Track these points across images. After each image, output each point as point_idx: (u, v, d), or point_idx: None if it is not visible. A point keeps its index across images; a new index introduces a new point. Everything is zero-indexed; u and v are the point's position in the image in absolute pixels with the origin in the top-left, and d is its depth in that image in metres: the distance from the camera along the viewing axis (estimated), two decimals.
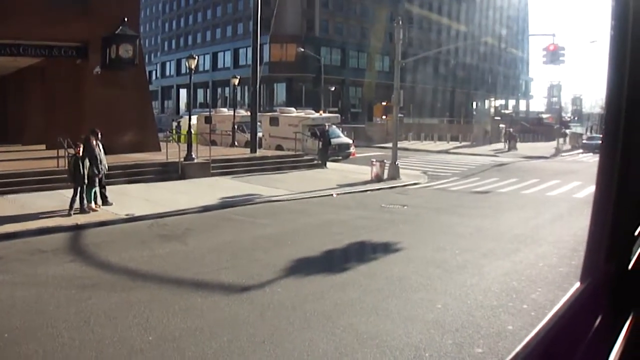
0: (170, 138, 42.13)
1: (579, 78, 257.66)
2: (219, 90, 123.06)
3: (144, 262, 15.39)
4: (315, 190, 28.76)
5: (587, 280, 2.41)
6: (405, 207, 24.85)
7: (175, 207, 23.19)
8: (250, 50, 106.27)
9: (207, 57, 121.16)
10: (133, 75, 36.16)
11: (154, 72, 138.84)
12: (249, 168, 34.74)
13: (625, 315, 2.46)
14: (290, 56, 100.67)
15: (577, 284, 2.35)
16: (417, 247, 17.16)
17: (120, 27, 35.05)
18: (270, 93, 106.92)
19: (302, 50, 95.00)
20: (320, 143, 40.87)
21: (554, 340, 1.95)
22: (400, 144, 63.81)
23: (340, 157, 45.04)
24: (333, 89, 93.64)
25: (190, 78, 34.98)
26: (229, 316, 11.01)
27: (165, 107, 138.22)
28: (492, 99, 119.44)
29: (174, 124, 63.28)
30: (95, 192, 22.27)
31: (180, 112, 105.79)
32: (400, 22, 36.56)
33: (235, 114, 50.95)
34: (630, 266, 2.64)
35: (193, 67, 34.58)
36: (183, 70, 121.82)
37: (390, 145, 62.30)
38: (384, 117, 43.13)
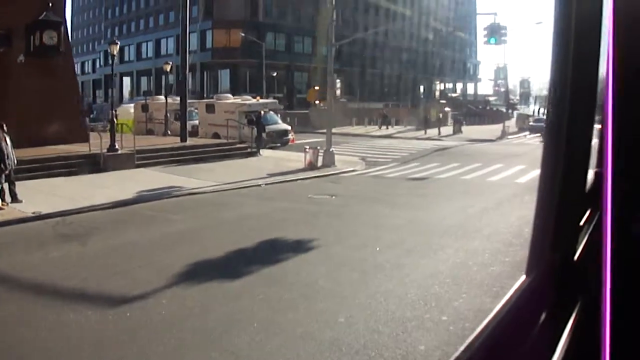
0: (108, 128, 40.14)
1: (527, 60, 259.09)
2: (163, 77, 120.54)
3: (32, 267, 13.67)
4: (243, 181, 27.09)
5: (532, 273, 2.38)
6: (334, 197, 23.32)
7: (88, 203, 21.42)
8: (193, 36, 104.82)
9: (150, 44, 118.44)
10: (58, 63, 33.98)
11: (97, 60, 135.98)
12: (177, 158, 32.85)
13: (572, 306, 2.52)
14: (234, 42, 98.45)
15: (523, 277, 2.30)
16: (336, 243, 15.46)
17: (45, 13, 32.80)
18: (215, 79, 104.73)
19: (244, 35, 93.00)
20: (256, 130, 39.01)
21: (500, 336, 1.88)
22: (343, 130, 63.14)
23: (278, 145, 43.71)
24: (275, 74, 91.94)
25: (112, 65, 33.26)
26: (96, 336, 9.45)
27: (109, 96, 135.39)
28: (438, 82, 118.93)
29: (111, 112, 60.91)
30: (2, 189, 20.44)
31: (124, 101, 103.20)
32: (334, 3, 34.77)
33: (171, 102, 48.85)
34: (576, 257, 2.66)
35: (115, 53, 32.72)
36: (126, 58, 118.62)
37: (334, 130, 61.63)
38: (317, 102, 41.67)
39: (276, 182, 27.60)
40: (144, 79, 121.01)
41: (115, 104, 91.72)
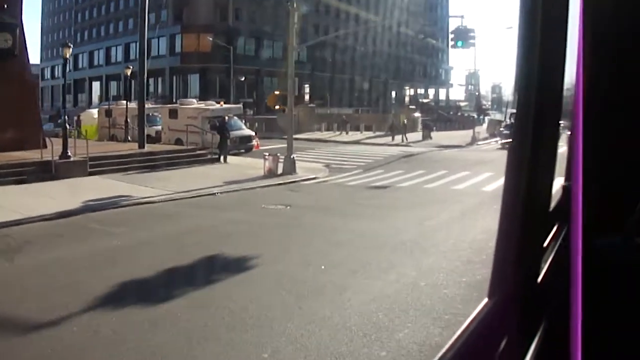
0: (70, 133, 38.92)
1: (499, 66, 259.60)
2: (133, 82, 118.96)
3: None
4: (198, 189, 25.94)
5: (495, 295, 2.29)
6: (289, 207, 22.19)
7: (29, 214, 20.14)
8: (162, 40, 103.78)
9: (120, 49, 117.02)
10: (13, 67, 32.63)
11: (67, 65, 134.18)
12: (133, 165, 31.55)
13: (535, 329, 2.47)
14: (204, 46, 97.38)
15: (486, 300, 2.21)
16: (278, 261, 14.27)
17: None
18: (185, 84, 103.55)
19: (211, 39, 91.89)
20: (219, 136, 37.95)
21: None
22: (311, 135, 62.38)
23: (242, 151, 42.71)
24: (243, 79, 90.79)
25: (64, 69, 32.12)
26: None
27: (79, 101, 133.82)
28: (407, 87, 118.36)
29: (75, 118, 59.51)
30: None
31: (93, 105, 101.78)
32: (295, 5, 33.72)
33: (134, 107, 47.73)
34: (540, 277, 2.60)
35: (67, 56, 31.49)
36: (96, 62, 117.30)
37: (302, 136, 60.78)
38: (276, 107, 40.80)
39: (232, 191, 26.48)
40: (113, 84, 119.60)
41: (84, 108, 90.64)
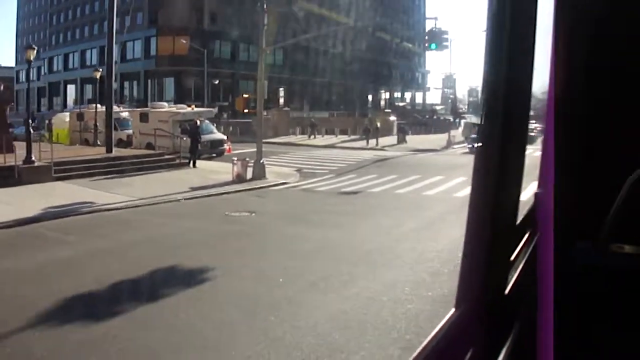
0: (42, 137, 38.23)
1: (475, 69, 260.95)
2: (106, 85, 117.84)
3: None
4: (162, 195, 25.30)
5: (461, 306, 2.20)
6: (253, 214, 21.48)
7: None
8: (137, 43, 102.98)
9: (95, 51, 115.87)
10: None
11: (42, 68, 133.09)
12: (100, 170, 30.83)
13: (503, 341, 2.43)
14: (181, 49, 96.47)
15: (452, 310, 2.14)
16: (235, 274, 13.54)
17: None
18: (160, 88, 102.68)
19: (186, 42, 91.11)
20: (189, 140, 37.27)
21: None
22: (286, 139, 61.81)
23: (214, 155, 42.14)
24: (217, 82, 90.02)
25: (28, 72, 31.20)
26: None
27: (54, 104, 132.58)
28: (383, 91, 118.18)
29: (46, 122, 58.58)
30: None
31: (68, 108, 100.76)
32: (265, 7, 33.06)
33: (102, 111, 47.01)
34: (508, 289, 2.54)
35: (32, 58, 30.61)
36: (71, 65, 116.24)
37: (277, 140, 60.29)
38: (245, 110, 40.36)
39: (198, 197, 25.82)
40: (88, 87, 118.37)
41: (59, 112, 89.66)
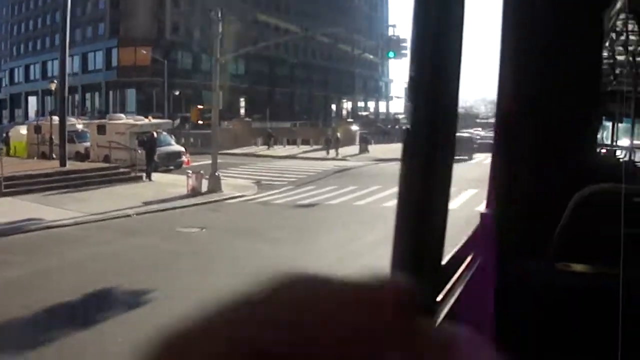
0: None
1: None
2: (70, 97, 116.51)
3: None
4: (114, 211, 24.55)
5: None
6: (204, 229, 20.87)
7: None
8: (98, 54, 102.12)
9: (56, 63, 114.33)
10: None
11: (3, 80, 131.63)
12: (53, 185, 30.03)
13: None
14: (143, 60, 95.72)
15: None
16: (173, 297, 12.74)
17: None
18: (122, 99, 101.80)
19: (145, 52, 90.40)
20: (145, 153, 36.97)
21: None
22: (247, 150, 61.19)
23: (171, 167, 41.48)
24: (178, 92, 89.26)
25: None
26: None
27: (15, 116, 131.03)
28: (345, 100, 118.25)
29: (3, 135, 57.53)
30: None
31: (29, 120, 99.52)
32: (219, 16, 32.60)
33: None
34: (439, 298, 2.38)
35: None
36: (32, 77, 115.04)
37: (237, 151, 59.71)
38: (200, 122, 39.98)
39: (150, 212, 25.11)
40: (50, 99, 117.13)
41: (20, 124, 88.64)
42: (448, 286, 2.66)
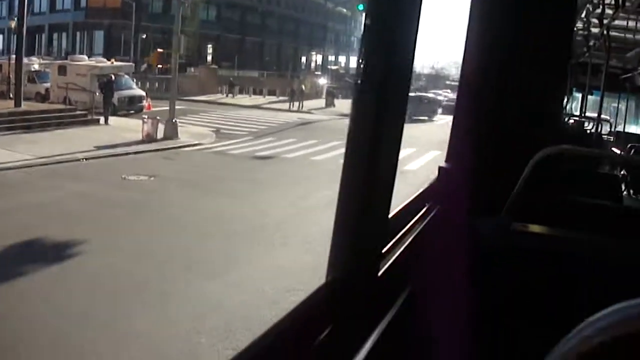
0: None
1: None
2: (37, 37, 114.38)
3: None
4: (63, 154, 23.75)
5: (327, 283, 2.09)
6: (152, 178, 20.13)
7: None
8: None
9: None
10: None
11: None
12: (5, 126, 28.98)
13: (373, 323, 2.33)
14: (113, 2, 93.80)
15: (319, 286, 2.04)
16: (107, 250, 12.16)
17: None
18: (90, 41, 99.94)
19: None
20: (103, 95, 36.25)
21: (282, 345, 1.76)
22: (211, 97, 60.44)
23: (131, 112, 40.43)
24: (144, 36, 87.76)
25: None
26: None
27: None
28: (314, 53, 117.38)
29: None
30: None
31: None
32: None
33: (27, 62, 45.52)
34: (380, 273, 2.37)
35: None
36: None
37: (202, 98, 58.91)
38: (159, 65, 39.33)
39: (102, 157, 24.40)
40: (12, 37, 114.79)
41: None
42: (399, 235, 2.69)
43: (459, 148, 3.69)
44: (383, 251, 2.43)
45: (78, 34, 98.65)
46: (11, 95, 39.93)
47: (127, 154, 25.50)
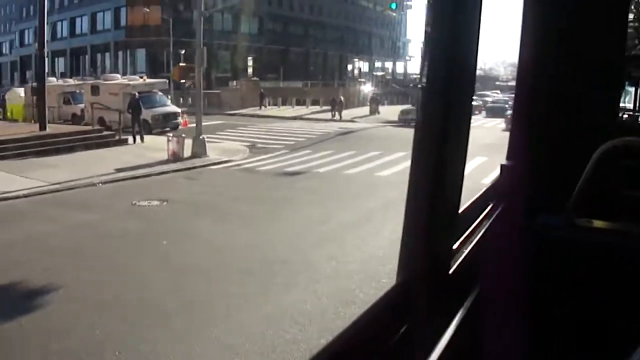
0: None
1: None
2: (81, 58, 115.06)
3: None
4: (81, 179, 22.42)
5: (400, 282, 2.17)
6: (165, 203, 18.25)
7: None
8: (108, 14, 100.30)
9: (65, 23, 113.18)
10: None
11: (14, 41, 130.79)
12: (30, 150, 27.86)
13: (445, 322, 2.35)
14: (152, 20, 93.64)
15: (392, 285, 2.12)
16: (83, 297, 10.24)
17: None
18: (132, 59, 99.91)
19: (148, 11, 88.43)
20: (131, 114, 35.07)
21: (359, 344, 1.79)
22: (252, 111, 59.12)
23: (167, 129, 38.75)
24: (183, 51, 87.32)
25: None
26: None
27: (27, 78, 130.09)
28: (357, 60, 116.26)
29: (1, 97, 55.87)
30: None
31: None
32: None
33: (62, 84, 45.27)
34: (451, 271, 2.42)
35: None
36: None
37: (243, 111, 57.81)
38: (182, 81, 38.42)
39: (119, 180, 22.87)
40: (60, 60, 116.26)
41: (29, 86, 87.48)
42: (466, 234, 2.70)
43: (519, 145, 3.68)
44: (454, 247, 2.41)
45: (120, 53, 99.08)
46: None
47: (148, 175, 24.00)
